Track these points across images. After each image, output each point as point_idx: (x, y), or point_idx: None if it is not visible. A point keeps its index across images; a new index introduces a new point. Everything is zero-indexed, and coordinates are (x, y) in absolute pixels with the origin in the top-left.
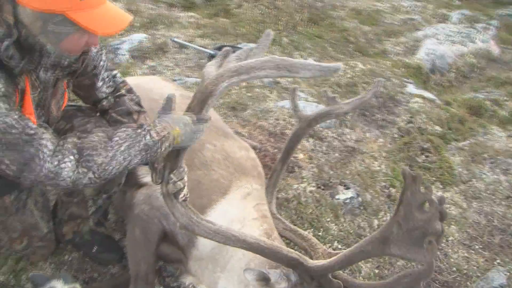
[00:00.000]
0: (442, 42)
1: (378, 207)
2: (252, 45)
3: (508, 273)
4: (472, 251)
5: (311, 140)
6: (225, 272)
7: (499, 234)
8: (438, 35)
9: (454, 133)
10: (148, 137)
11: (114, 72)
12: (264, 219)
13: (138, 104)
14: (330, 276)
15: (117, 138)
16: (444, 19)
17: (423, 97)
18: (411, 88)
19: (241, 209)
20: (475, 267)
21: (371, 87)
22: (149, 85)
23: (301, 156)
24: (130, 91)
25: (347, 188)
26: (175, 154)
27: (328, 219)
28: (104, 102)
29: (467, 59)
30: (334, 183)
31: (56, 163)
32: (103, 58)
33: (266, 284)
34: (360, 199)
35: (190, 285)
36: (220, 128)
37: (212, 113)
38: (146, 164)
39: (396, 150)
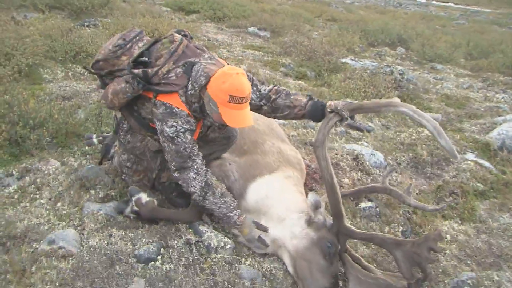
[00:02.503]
0: None
1: (393, 220)
2: None
3: (479, 273)
4: (463, 263)
5: (359, 173)
6: (266, 215)
7: (493, 258)
8: None
9: (496, 192)
10: (234, 217)
11: (259, 87)
12: (299, 194)
13: (287, 94)
14: (347, 241)
15: (226, 199)
16: None
17: (476, 162)
18: (469, 155)
19: (281, 183)
20: (458, 271)
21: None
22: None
23: (346, 180)
24: (277, 92)
25: (370, 201)
26: None
27: (346, 217)
28: (263, 110)
29: None
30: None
31: (193, 177)
32: None
33: (315, 210)
34: (378, 210)
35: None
36: (280, 135)
37: (277, 124)
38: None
39: (429, 191)
